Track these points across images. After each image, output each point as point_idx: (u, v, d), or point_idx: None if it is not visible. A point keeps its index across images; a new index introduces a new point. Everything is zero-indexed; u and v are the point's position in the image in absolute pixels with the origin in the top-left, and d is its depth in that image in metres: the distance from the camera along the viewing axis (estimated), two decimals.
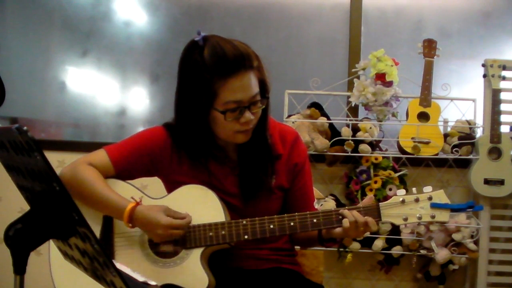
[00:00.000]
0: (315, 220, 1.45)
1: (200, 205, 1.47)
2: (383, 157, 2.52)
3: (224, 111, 1.39)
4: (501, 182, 2.47)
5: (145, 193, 1.52)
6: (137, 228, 1.46)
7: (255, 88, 1.42)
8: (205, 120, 1.45)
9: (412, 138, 2.48)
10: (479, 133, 2.56)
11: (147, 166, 1.55)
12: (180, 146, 1.53)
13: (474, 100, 2.62)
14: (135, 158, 1.54)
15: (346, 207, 1.46)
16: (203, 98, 1.40)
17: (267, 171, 1.53)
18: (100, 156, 1.54)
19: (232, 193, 1.53)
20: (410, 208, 1.45)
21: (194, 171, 1.53)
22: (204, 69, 1.38)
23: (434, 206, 1.44)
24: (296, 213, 1.46)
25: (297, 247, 1.76)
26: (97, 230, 1.50)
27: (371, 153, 2.51)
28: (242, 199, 1.53)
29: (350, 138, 2.48)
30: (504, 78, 2.52)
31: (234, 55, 1.36)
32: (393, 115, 2.57)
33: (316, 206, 1.68)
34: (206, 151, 1.52)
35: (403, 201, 1.45)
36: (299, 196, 1.62)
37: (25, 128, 0.81)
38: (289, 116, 2.57)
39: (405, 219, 1.45)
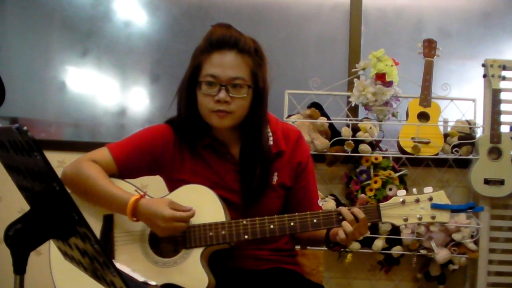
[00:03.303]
0: (315, 220, 1.45)
1: (201, 205, 1.47)
2: (383, 157, 2.52)
3: (201, 82, 1.46)
4: (501, 182, 2.47)
5: (145, 193, 1.52)
6: (138, 226, 1.46)
7: (237, 70, 1.45)
8: (194, 98, 1.50)
9: (412, 138, 2.48)
10: (479, 133, 2.56)
11: (149, 164, 1.56)
12: (181, 135, 1.55)
13: (474, 100, 2.62)
14: (137, 156, 1.55)
15: (346, 207, 1.46)
16: (191, 73, 1.49)
17: (266, 168, 1.53)
18: (103, 154, 1.54)
19: (233, 189, 1.54)
20: (411, 208, 1.45)
21: (196, 168, 1.54)
22: (199, 48, 1.49)
23: (435, 206, 1.44)
24: (296, 213, 1.46)
25: (297, 247, 1.75)
26: (97, 229, 1.50)
27: (371, 153, 2.51)
28: (243, 196, 1.53)
29: (350, 138, 2.48)
30: (504, 78, 2.52)
31: (223, 34, 1.46)
32: (393, 115, 2.56)
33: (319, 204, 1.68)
34: (204, 137, 1.53)
35: (403, 202, 1.45)
36: (303, 195, 1.63)
37: (25, 128, 0.81)
38: (289, 116, 2.57)
39: (406, 220, 1.45)
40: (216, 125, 1.50)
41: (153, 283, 1.28)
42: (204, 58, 1.47)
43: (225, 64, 1.45)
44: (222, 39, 1.46)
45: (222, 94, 1.44)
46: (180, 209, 1.43)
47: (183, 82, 1.53)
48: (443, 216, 1.44)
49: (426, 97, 2.51)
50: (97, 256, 0.87)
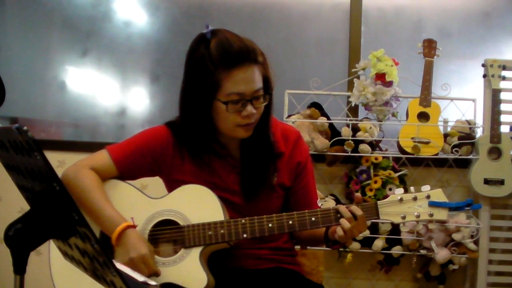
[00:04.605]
0: (313, 219, 1.45)
1: (200, 204, 1.47)
2: (383, 157, 2.52)
3: (226, 102, 1.41)
4: (501, 182, 2.47)
5: (145, 193, 1.52)
6: (137, 226, 1.46)
7: (258, 82, 1.43)
8: (207, 112, 1.46)
9: (412, 138, 2.48)
10: (479, 133, 2.56)
11: (149, 165, 1.56)
12: (182, 141, 1.54)
13: (474, 100, 2.62)
14: (137, 158, 1.54)
15: (345, 205, 1.46)
16: (207, 88, 1.41)
17: (268, 169, 1.54)
18: (103, 157, 1.54)
19: (234, 190, 1.54)
20: (408, 206, 1.45)
21: (196, 169, 1.54)
22: (209, 60, 1.40)
23: (432, 204, 1.44)
24: (295, 212, 1.46)
25: (297, 247, 1.76)
26: (97, 229, 1.50)
27: (371, 153, 2.51)
28: (244, 197, 1.53)
29: (350, 138, 2.48)
30: (504, 78, 2.52)
31: (240, 48, 1.39)
32: (393, 115, 2.56)
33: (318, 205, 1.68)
34: (207, 146, 1.53)
35: (401, 200, 1.45)
36: (302, 195, 1.63)
37: (25, 128, 0.81)
38: (289, 116, 2.57)
39: (403, 217, 1.44)
40: (240, 137, 1.49)
41: (153, 283, 1.28)
42: (224, 76, 1.39)
43: (248, 80, 1.41)
44: (241, 53, 1.39)
45: (251, 109, 1.43)
46: (153, 262, 1.42)
47: (192, 96, 1.46)
48: (441, 214, 1.44)
49: (426, 97, 2.51)
50: (97, 256, 0.87)
